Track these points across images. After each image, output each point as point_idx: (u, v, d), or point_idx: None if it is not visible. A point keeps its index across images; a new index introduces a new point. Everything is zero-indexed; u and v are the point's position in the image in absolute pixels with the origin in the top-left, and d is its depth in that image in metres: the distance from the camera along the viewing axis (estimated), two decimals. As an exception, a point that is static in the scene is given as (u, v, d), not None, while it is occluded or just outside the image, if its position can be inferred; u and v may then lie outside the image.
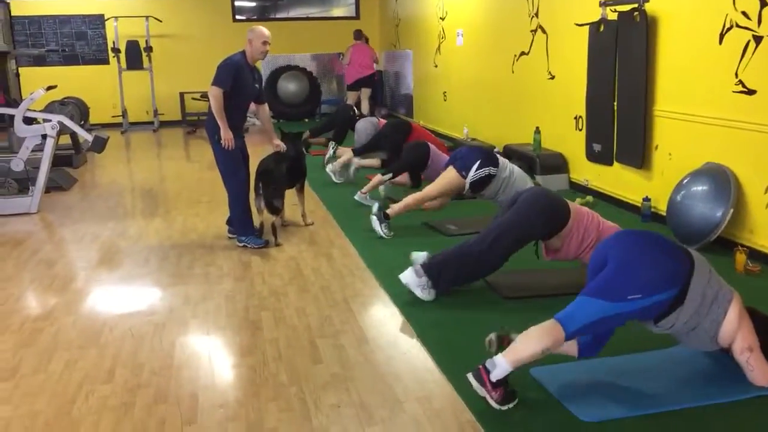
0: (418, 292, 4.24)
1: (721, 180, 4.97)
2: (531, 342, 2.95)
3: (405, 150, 6.99)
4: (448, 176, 5.70)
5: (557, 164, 7.34)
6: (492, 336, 3.25)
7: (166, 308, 4.34)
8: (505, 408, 2.97)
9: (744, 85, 4.85)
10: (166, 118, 14.23)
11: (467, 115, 10.02)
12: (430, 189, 5.76)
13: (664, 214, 5.67)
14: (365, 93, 12.63)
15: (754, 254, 4.71)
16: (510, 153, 7.70)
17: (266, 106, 5.84)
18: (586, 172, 7.00)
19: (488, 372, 2.96)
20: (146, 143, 12.41)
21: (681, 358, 3.37)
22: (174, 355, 3.68)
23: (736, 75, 4.90)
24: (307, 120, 14.00)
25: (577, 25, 6.77)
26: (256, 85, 5.64)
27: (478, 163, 5.61)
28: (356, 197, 6.75)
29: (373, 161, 8.09)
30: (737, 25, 4.87)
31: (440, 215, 6.08)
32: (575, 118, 7.12)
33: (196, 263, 5.24)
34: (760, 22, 4.67)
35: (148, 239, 5.96)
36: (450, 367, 3.40)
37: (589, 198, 6.63)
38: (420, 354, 3.61)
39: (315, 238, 5.83)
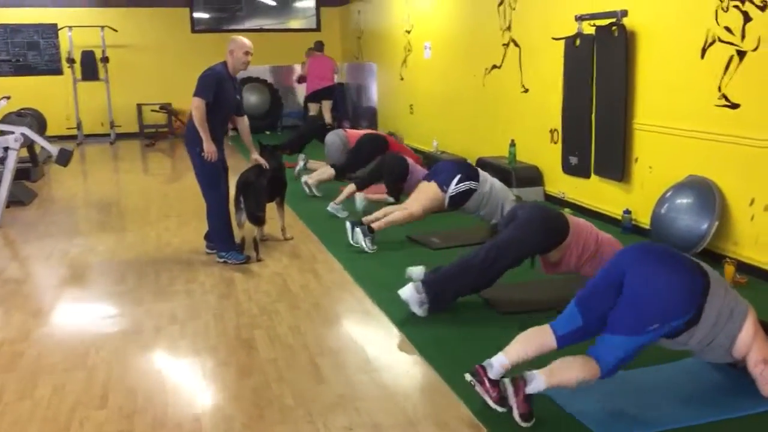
0: (416, 309, 4.15)
1: (705, 192, 5.02)
2: (571, 372, 2.92)
3: (383, 162, 6.91)
4: (430, 192, 5.65)
5: (532, 177, 7.35)
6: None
7: (152, 328, 4.16)
8: (525, 425, 2.91)
9: (727, 99, 4.91)
10: (122, 130, 13.88)
11: (436, 128, 10.00)
12: (413, 207, 5.68)
13: (645, 226, 5.73)
14: (326, 105, 12.51)
15: (739, 266, 4.76)
16: (484, 166, 7.66)
17: (246, 119, 5.70)
18: (562, 184, 7.03)
19: (525, 383, 2.90)
20: (103, 156, 12.07)
21: (693, 372, 3.36)
22: (168, 378, 3.52)
23: (719, 89, 4.97)
24: (268, 132, 13.80)
25: (554, 39, 6.81)
26: (237, 97, 5.50)
27: (458, 177, 5.58)
28: (329, 208, 6.65)
29: (327, 173, 7.93)
30: (720, 40, 4.94)
31: (422, 228, 6.00)
32: (550, 131, 7.15)
33: (177, 280, 5.06)
34: (743, 37, 4.74)
35: (120, 255, 5.74)
36: (460, 384, 3.32)
37: (568, 210, 6.63)
38: (426, 371, 3.52)
39: (297, 253, 5.70)
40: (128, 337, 4.02)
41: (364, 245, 5.53)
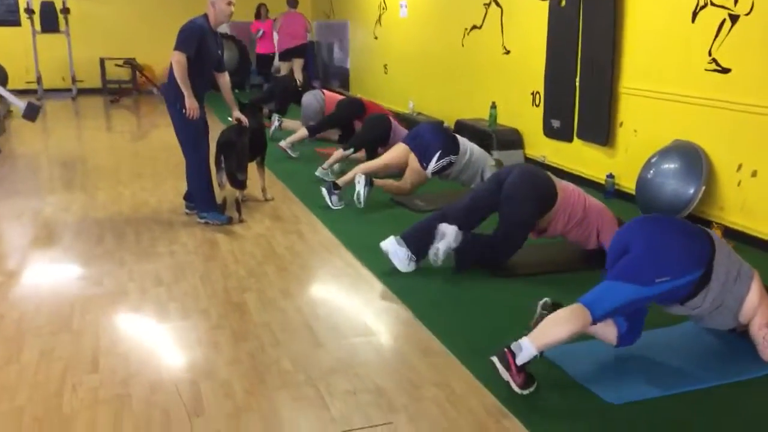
0: (399, 263, 4.14)
1: (692, 157, 5.03)
2: (558, 326, 2.86)
3: (366, 124, 6.80)
4: (413, 167, 5.67)
5: (513, 140, 7.31)
6: (547, 300, 3.14)
7: (138, 290, 4.04)
8: (526, 392, 2.88)
9: (718, 64, 4.90)
10: (84, 85, 13.47)
11: (411, 89, 9.88)
12: (404, 182, 5.73)
13: (628, 191, 5.74)
14: (297, 64, 12.29)
15: (725, 231, 4.79)
16: (462, 128, 7.62)
17: (227, 75, 5.51)
18: (543, 148, 7.00)
19: (514, 355, 2.85)
20: (65, 112, 11.69)
21: (692, 335, 3.37)
22: (160, 341, 3.42)
23: (710, 53, 4.95)
24: (237, 91, 13.49)
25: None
26: (219, 52, 5.31)
27: (438, 153, 5.55)
28: (317, 173, 6.53)
29: (300, 133, 7.82)
30: (712, 4, 4.90)
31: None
32: (532, 93, 7.10)
33: (158, 241, 4.92)
34: (736, 1, 4.71)
35: (95, 214, 5.56)
36: (460, 349, 3.29)
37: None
38: (424, 336, 3.46)
39: (279, 214, 5.59)
40: (113, 299, 3.89)
41: (361, 194, 5.47)
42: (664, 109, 5.41)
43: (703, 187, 4.93)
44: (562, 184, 4.27)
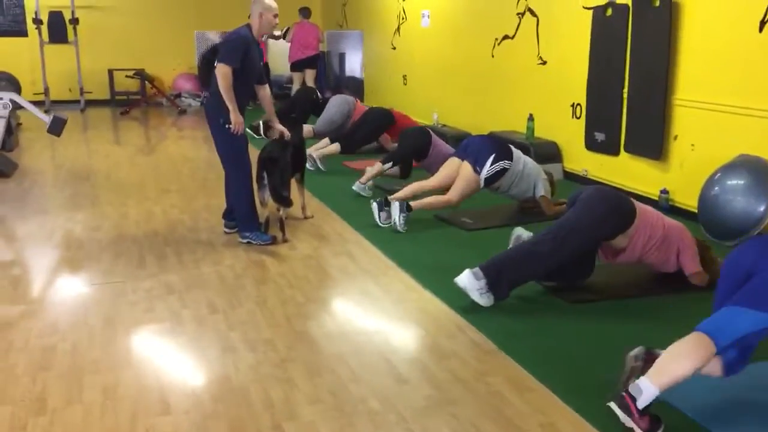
0: (478, 298, 3.84)
1: (762, 173, 4.80)
2: (679, 361, 2.61)
3: (406, 137, 6.56)
4: (466, 175, 5.39)
5: (551, 153, 7.09)
6: (638, 351, 2.87)
7: (194, 318, 3.78)
8: None
9: (790, 76, 4.69)
10: (92, 96, 13.19)
11: (434, 100, 9.65)
12: (452, 195, 5.43)
13: (684, 207, 5.54)
14: (310, 74, 12.08)
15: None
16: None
17: (267, 87, 5.26)
18: (584, 161, 6.77)
19: (634, 399, 2.61)
20: (75, 124, 11.36)
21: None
22: (230, 376, 3.15)
23: (780, 65, 4.74)
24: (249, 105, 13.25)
25: (585, 8, 6.50)
26: (260, 63, 5.07)
27: (492, 157, 5.33)
28: (354, 187, 6.29)
29: (333, 147, 7.62)
30: (782, 13, 4.70)
31: (450, 207, 5.68)
32: (572, 105, 6.88)
33: (202, 263, 4.66)
34: (811, 10, 4.51)
35: (130, 233, 5.30)
36: (556, 384, 3.04)
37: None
38: (513, 369, 3.21)
39: (322, 233, 5.34)
40: (170, 329, 3.63)
41: (398, 221, 5.20)
42: (727, 123, 5.19)
43: (775, 205, 4.71)
44: (639, 204, 4.05)
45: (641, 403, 2.59)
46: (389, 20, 11.14)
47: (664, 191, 5.72)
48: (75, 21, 12.64)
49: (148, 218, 5.73)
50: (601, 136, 6.47)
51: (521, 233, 4.20)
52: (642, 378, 2.64)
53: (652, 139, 5.83)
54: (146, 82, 13.24)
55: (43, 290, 4.22)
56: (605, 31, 6.29)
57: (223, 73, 4.71)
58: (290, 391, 3.03)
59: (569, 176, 6.99)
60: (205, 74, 11.20)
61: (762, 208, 4.74)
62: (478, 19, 8.53)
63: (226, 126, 4.81)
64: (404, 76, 10.78)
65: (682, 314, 3.82)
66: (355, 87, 12.99)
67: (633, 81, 6.01)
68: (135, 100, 13.26)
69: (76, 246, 5.02)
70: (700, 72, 5.41)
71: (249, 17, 4.98)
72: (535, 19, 7.38)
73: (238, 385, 3.08)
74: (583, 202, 3.96)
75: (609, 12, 6.22)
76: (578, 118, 6.80)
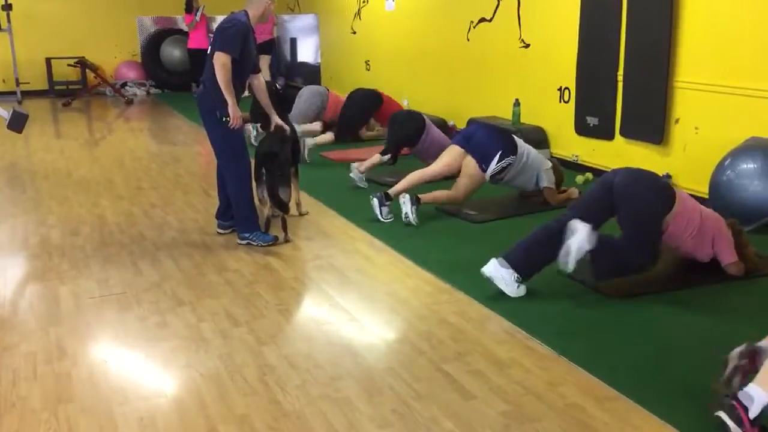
0: (503, 286, 3.71)
1: (777, 156, 4.73)
2: None
3: (397, 122, 6.27)
4: (471, 173, 5.20)
5: (538, 139, 6.90)
6: (743, 348, 2.68)
7: (217, 332, 3.43)
8: None
9: (805, 57, 4.61)
10: (29, 87, 12.42)
11: (403, 86, 9.37)
12: (459, 192, 5.21)
13: (689, 191, 5.42)
14: (265, 60, 11.62)
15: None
16: (477, 127, 7.18)
17: (261, 77, 4.91)
18: (575, 147, 6.63)
19: (745, 408, 2.42)
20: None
21: None
22: (278, 400, 2.84)
23: (795, 45, 4.66)
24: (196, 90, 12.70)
25: (576, -11, 6.33)
26: (256, 52, 4.71)
27: (499, 154, 5.14)
28: (352, 175, 6.02)
29: (327, 137, 7.34)
30: (797, -8, 4.61)
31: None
32: (559, 89, 6.72)
33: (204, 268, 4.30)
34: (829, -11, 4.43)
35: (114, 238, 4.88)
36: (634, 390, 2.84)
37: (589, 175, 6.27)
38: (581, 376, 3.00)
39: (324, 231, 5.03)
40: (195, 348, 3.28)
41: (410, 215, 4.95)
42: (734, 105, 5.10)
43: (793, 188, 4.64)
44: (677, 191, 3.89)
45: (753, 412, 2.41)
46: (348, 3, 10.78)
47: (667, 176, 5.61)
48: (8, 7, 11.81)
49: (129, 220, 5.30)
50: (594, 121, 6.33)
51: (577, 225, 3.67)
52: (751, 385, 2.46)
53: (652, 123, 5.72)
54: (88, 70, 12.51)
55: (35, 307, 3.78)
56: (597, 12, 6.14)
57: (222, 62, 4.34)
58: (351, 413, 2.74)
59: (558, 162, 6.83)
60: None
61: (779, 192, 4.66)
62: (451, 2, 8.28)
63: (224, 119, 4.44)
64: (367, 62, 10.46)
65: (731, 305, 3.71)
66: (310, 73, 12.59)
67: (629, 63, 5.87)
68: (76, 90, 12.53)
69: (58, 254, 4.58)
70: (704, 53, 5.30)
71: (247, 4, 4.59)
72: (516, 1, 7.18)
73: (291, 409, 2.78)
74: (625, 195, 3.74)
75: (601, -7, 6.07)
76: (567, 102, 6.65)
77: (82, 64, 12.30)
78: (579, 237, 3.59)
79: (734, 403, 2.44)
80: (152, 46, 13.17)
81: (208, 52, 4.55)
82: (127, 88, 12.86)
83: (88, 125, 10.40)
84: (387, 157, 6.04)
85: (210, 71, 4.41)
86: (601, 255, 3.66)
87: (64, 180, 6.62)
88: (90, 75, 12.58)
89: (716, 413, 2.48)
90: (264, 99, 4.90)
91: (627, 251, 3.72)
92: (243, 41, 4.39)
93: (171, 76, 13.19)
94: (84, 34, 12.83)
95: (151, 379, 3.03)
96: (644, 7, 5.65)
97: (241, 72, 4.53)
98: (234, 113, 4.40)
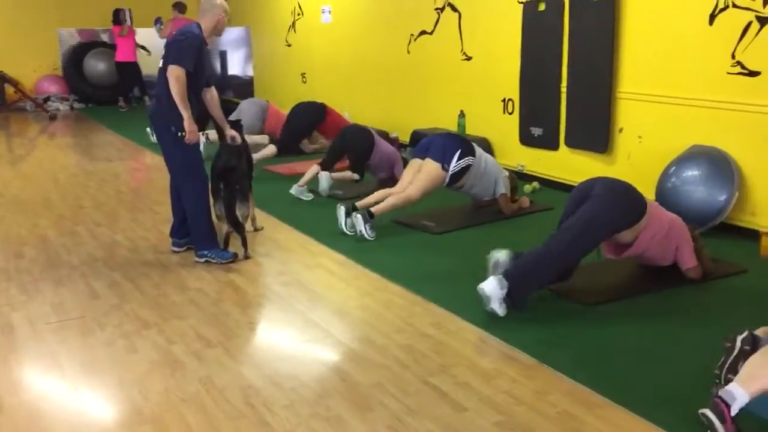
0: (497, 307, 3.64)
1: (720, 162, 4.93)
2: None
3: (347, 138, 6.24)
4: (430, 170, 5.16)
5: (483, 149, 6.98)
6: (746, 334, 2.74)
7: (191, 355, 3.30)
8: None
9: (744, 67, 4.82)
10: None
11: (341, 99, 9.33)
12: (411, 191, 5.14)
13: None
14: None
15: (756, 236, 4.73)
16: (421, 138, 7.23)
17: (214, 89, 4.79)
18: (520, 156, 6.75)
19: (728, 405, 2.50)
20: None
21: None
22: (273, 421, 2.75)
23: (733, 56, 4.87)
24: (123, 105, 12.33)
25: (519, 2, 6.45)
26: (209, 65, 4.60)
27: (458, 152, 5.17)
28: (292, 191, 5.96)
29: (269, 150, 7.25)
30: (734, 5, 4.82)
31: (408, 210, 5.42)
32: (503, 100, 6.84)
33: (164, 288, 4.16)
34: (765, 3, 4.65)
35: (62, 260, 4.67)
36: (621, 396, 2.88)
37: (536, 184, 6.39)
38: (566, 384, 3.03)
39: (282, 245, 4.94)
40: (171, 371, 3.15)
41: (365, 232, 4.91)
42: (676, 114, 5.30)
43: (736, 193, 4.84)
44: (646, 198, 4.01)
45: (734, 410, 2.49)
46: (282, 16, 10.70)
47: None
48: None
49: (74, 240, 5.08)
50: (538, 131, 6.46)
51: (499, 258, 3.85)
52: (732, 384, 2.54)
53: (596, 133, 5.88)
54: (7, 85, 11.96)
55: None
56: (538, 26, 6.28)
57: (176, 75, 4.22)
58: (345, 431, 2.69)
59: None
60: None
61: (723, 197, 4.86)
62: (390, 16, 8.33)
63: (179, 134, 4.32)
64: (303, 74, 10.40)
65: (694, 307, 3.82)
66: (242, 86, 12.42)
67: (572, 75, 6.02)
68: (-6, 104, 11.98)
69: (3, 278, 4.35)
70: (645, 65, 5.48)
71: (200, 16, 4.49)
72: (457, 14, 7.28)
73: (282, 430, 2.70)
74: (600, 198, 3.82)
75: (542, 7, 6.21)
76: (511, 113, 6.77)
77: (1, 78, 11.77)
78: (489, 287, 3.60)
79: (717, 399, 2.52)
80: (75, 59, 12.73)
81: (160, 65, 4.41)
82: (49, 103, 12.38)
83: (10, 143, 9.93)
84: (318, 171, 6.02)
85: (164, 85, 4.28)
86: (514, 275, 3.66)
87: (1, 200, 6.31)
88: (9, 90, 12.04)
89: (701, 411, 2.54)
90: (217, 112, 4.79)
91: (546, 261, 3.71)
92: (197, 54, 4.29)
93: (95, 90, 12.79)
94: (1, 46, 12.28)
95: (130, 406, 2.89)
96: (586, 19, 5.81)
97: (197, 85, 4.42)
98: (190, 127, 4.28)
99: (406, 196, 5.13)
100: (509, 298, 3.65)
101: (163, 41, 11.14)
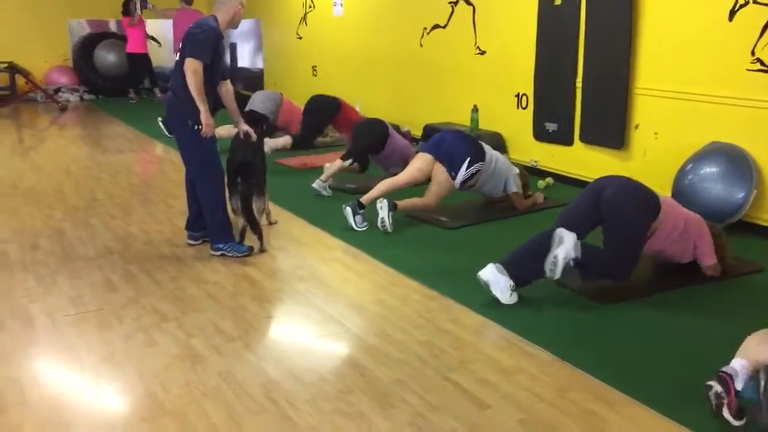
0: (500, 294, 3.71)
1: (738, 160, 4.90)
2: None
3: (361, 130, 6.23)
4: (440, 182, 5.23)
5: (495, 144, 6.94)
6: None
7: (210, 349, 3.30)
8: (737, 424, 2.58)
9: (763, 64, 4.79)
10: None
11: (352, 92, 9.30)
12: (431, 199, 5.24)
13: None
14: None
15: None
16: (432, 132, 7.21)
17: (229, 83, 4.77)
18: (533, 152, 6.72)
19: (732, 378, 2.54)
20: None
21: None
22: (297, 417, 2.75)
23: (753, 53, 4.83)
24: (133, 98, 12.32)
25: (536, -4, 6.42)
26: (226, 59, 4.59)
27: (467, 161, 5.17)
28: (315, 185, 5.92)
29: (284, 140, 7.23)
30: (755, 2, 4.78)
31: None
32: (517, 95, 6.81)
33: (181, 281, 4.15)
34: (787, -1, 4.62)
35: (78, 252, 4.66)
36: (641, 393, 2.88)
37: (550, 180, 6.37)
38: (587, 381, 3.02)
39: (298, 240, 4.94)
40: (191, 365, 3.15)
41: (386, 220, 4.92)
42: (693, 111, 5.26)
43: (755, 191, 4.81)
44: (662, 197, 3.99)
45: (738, 384, 2.57)
46: (293, 8, 10.68)
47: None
48: (-70, 9, 11.22)
49: (90, 233, 5.08)
50: (553, 126, 6.44)
51: (563, 234, 3.70)
52: (736, 360, 2.65)
53: (611, 129, 5.85)
54: (18, 75, 11.95)
55: (8, 327, 3.56)
56: (554, 21, 6.24)
57: (193, 68, 4.20)
58: (368, 428, 2.69)
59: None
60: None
61: (741, 195, 4.84)
62: (403, 9, 8.30)
63: (196, 128, 4.31)
64: (314, 67, 10.38)
65: (715, 305, 3.81)
66: (251, 78, 12.41)
67: (588, 71, 5.99)
68: (5, 96, 11.96)
69: (20, 269, 4.35)
70: (663, 61, 5.45)
71: (216, 8, 4.48)
72: (471, 8, 7.24)
73: (305, 425, 2.70)
74: (612, 206, 3.81)
75: (558, 1, 6.17)
76: (524, 108, 6.74)
77: (12, 68, 11.77)
78: (565, 246, 3.64)
79: (723, 373, 2.61)
80: (85, 50, 12.70)
81: (177, 58, 4.40)
82: (59, 94, 12.37)
83: (21, 134, 9.93)
84: (349, 162, 5.99)
85: (180, 78, 4.27)
86: (586, 264, 3.72)
87: (10, 191, 6.30)
88: (20, 80, 12.04)
89: (708, 383, 2.63)
90: (232, 105, 4.76)
91: (611, 262, 3.79)
92: (213, 47, 4.27)
93: (105, 82, 12.77)
94: (12, 37, 12.28)
95: (151, 400, 2.89)
96: (603, 14, 5.78)
97: (213, 78, 4.41)
98: (207, 121, 4.27)
99: (425, 203, 5.23)
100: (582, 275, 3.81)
101: (171, 34, 11.24)
